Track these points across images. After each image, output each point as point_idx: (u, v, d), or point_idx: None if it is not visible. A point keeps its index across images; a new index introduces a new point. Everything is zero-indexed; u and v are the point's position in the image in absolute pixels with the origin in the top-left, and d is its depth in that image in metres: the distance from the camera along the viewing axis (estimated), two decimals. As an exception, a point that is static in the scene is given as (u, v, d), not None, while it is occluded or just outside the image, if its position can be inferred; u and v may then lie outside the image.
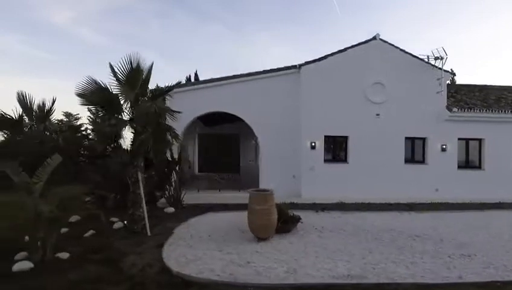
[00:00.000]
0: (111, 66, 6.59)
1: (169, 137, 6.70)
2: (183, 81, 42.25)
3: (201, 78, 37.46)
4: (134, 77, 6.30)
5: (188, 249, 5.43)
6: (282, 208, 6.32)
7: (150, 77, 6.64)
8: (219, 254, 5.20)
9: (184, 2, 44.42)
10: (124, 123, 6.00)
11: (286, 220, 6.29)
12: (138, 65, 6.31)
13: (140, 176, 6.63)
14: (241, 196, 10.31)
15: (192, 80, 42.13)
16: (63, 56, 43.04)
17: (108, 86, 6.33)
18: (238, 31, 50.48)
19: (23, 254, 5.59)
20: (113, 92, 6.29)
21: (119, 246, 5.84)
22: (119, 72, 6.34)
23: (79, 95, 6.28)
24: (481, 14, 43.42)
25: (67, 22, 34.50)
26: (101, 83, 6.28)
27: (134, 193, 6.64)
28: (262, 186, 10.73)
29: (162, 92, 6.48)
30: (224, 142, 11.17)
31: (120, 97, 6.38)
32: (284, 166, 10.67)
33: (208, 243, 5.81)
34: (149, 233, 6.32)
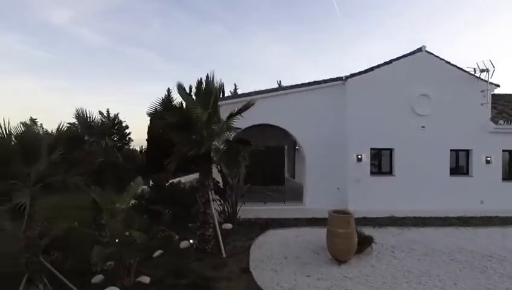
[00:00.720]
0: (181, 87, 6.55)
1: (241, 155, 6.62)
2: (194, 85, 42.04)
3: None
4: (208, 96, 6.25)
5: (275, 275, 5.37)
6: (357, 229, 6.26)
7: (220, 95, 6.58)
8: (311, 281, 5.14)
9: (184, 2, 44.30)
10: (203, 144, 5.93)
11: (362, 242, 6.22)
12: (212, 83, 6.27)
13: (211, 195, 6.58)
14: (287, 209, 10.33)
15: (204, 83, 41.96)
16: (63, 56, 42.97)
17: (182, 106, 6.29)
18: (238, 31, 50.43)
19: (99, 277, 5.56)
20: (188, 113, 6.23)
21: (198, 269, 5.77)
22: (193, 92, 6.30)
23: (152, 114, 6.24)
24: (481, 14, 43.34)
25: (67, 21, 34.44)
26: (176, 104, 6.23)
27: (205, 213, 6.58)
28: (307, 198, 10.73)
29: (238, 112, 6.42)
30: (269, 154, 11.11)
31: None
32: (328, 178, 10.62)
33: (290, 266, 5.75)
34: (224, 254, 6.25)
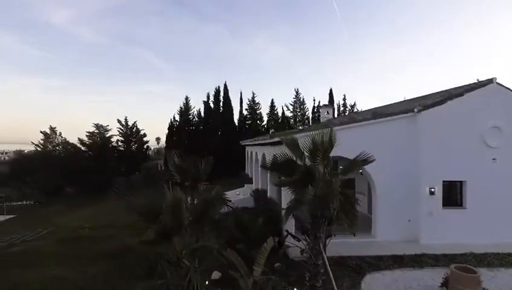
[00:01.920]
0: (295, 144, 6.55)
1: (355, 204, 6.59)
2: (212, 92, 41.70)
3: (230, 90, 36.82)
4: (325, 149, 6.26)
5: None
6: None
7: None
8: None
9: (184, 2, 44.41)
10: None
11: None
12: (331, 135, 6.29)
13: (322, 247, 6.56)
14: (360, 242, 10.34)
15: (222, 91, 42.09)
16: (63, 56, 43.17)
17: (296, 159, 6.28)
18: (238, 32, 50.67)
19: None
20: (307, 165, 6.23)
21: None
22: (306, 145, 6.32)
23: (273, 169, 6.23)
24: (481, 14, 43.33)
25: (67, 21, 34.71)
26: (289, 155, 6.24)
27: (316, 264, 6.56)
28: (378, 230, 10.72)
29: (354, 168, 6.41)
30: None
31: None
32: (399, 209, 10.60)
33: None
34: (342, 310, 6.23)
